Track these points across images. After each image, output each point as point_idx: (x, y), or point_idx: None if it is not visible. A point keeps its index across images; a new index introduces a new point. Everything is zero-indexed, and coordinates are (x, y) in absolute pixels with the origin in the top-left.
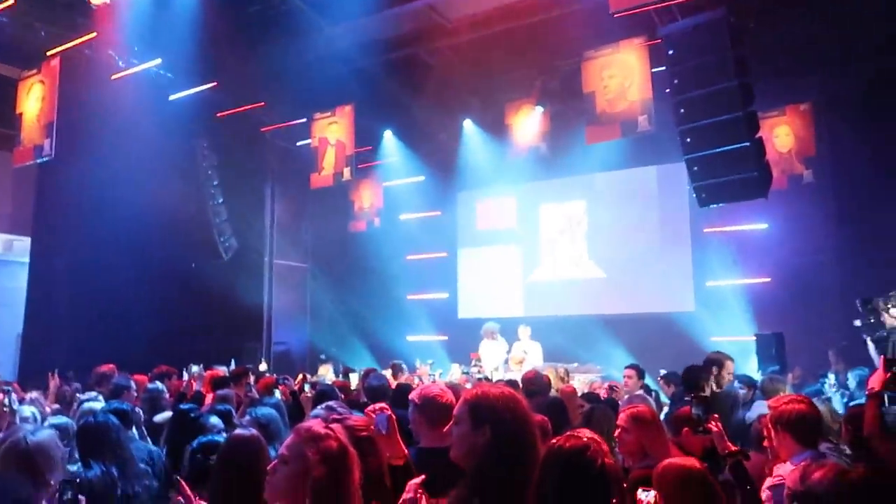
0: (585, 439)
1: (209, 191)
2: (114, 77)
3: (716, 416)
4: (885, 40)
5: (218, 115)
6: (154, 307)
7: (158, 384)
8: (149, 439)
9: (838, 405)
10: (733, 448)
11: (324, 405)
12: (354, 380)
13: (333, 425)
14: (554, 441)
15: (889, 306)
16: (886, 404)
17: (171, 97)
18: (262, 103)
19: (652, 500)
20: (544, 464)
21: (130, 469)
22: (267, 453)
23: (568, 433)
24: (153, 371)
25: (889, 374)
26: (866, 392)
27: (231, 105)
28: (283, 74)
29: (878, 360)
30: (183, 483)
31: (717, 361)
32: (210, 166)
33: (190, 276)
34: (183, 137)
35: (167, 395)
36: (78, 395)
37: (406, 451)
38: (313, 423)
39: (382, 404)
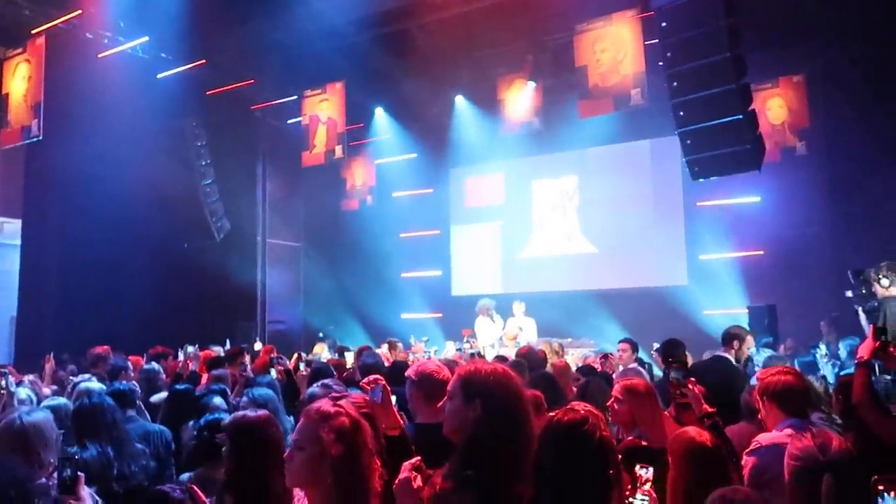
0: (583, 413)
1: (200, 170)
2: (100, 55)
3: (692, 378)
4: (877, 11)
5: (207, 93)
6: (147, 288)
7: (154, 365)
8: (149, 418)
9: (829, 375)
10: (710, 409)
11: (320, 383)
12: (350, 358)
13: (342, 401)
14: (552, 415)
15: (880, 277)
16: (877, 373)
17: (160, 75)
18: (252, 81)
19: (651, 477)
20: (543, 438)
21: (126, 449)
22: (280, 432)
23: (566, 407)
24: (148, 352)
25: (878, 343)
26: (856, 361)
27: (220, 83)
28: (272, 51)
29: (868, 330)
30: (195, 489)
31: (737, 336)
32: (200, 145)
33: (183, 256)
34: (172, 116)
35: (163, 376)
36: (72, 377)
37: (401, 421)
38: (322, 403)
39: (377, 376)
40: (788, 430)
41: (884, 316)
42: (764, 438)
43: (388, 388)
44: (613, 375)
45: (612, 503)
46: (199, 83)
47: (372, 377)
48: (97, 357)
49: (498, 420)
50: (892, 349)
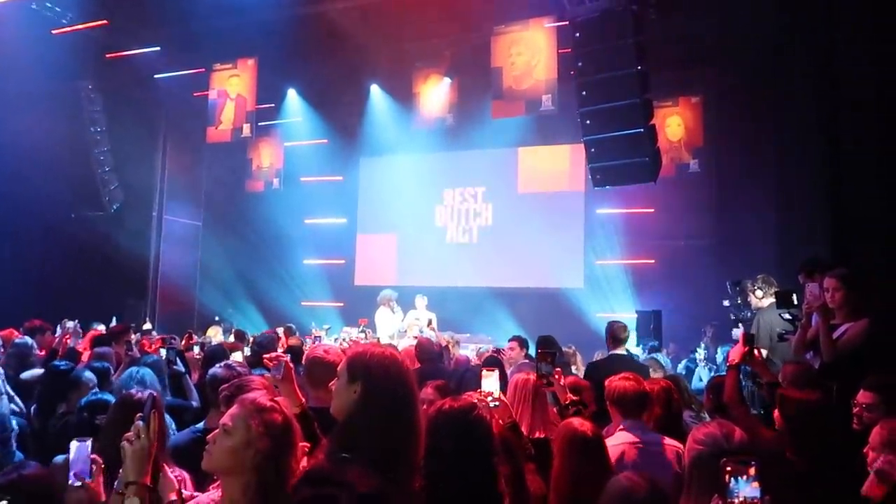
0: (471, 400)
1: (93, 137)
2: None
3: (559, 369)
4: (769, 42)
5: (107, 55)
6: (28, 258)
7: (27, 339)
8: (16, 398)
9: (705, 377)
10: (573, 398)
11: (222, 363)
12: (238, 357)
13: (278, 398)
14: (441, 402)
15: (755, 288)
16: (742, 380)
17: (55, 31)
18: (157, 48)
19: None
20: (435, 423)
21: None
22: (163, 413)
23: (454, 396)
24: (25, 325)
25: (746, 349)
26: (727, 364)
27: (122, 47)
28: (182, 19)
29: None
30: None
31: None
32: (95, 111)
33: (69, 227)
34: (66, 78)
35: (37, 351)
36: None
37: (303, 399)
38: (258, 395)
39: (279, 353)
40: (622, 433)
41: (757, 325)
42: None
43: (291, 366)
44: (508, 370)
45: (500, 486)
46: (98, 45)
47: (274, 354)
48: None
49: (376, 402)
50: (757, 354)
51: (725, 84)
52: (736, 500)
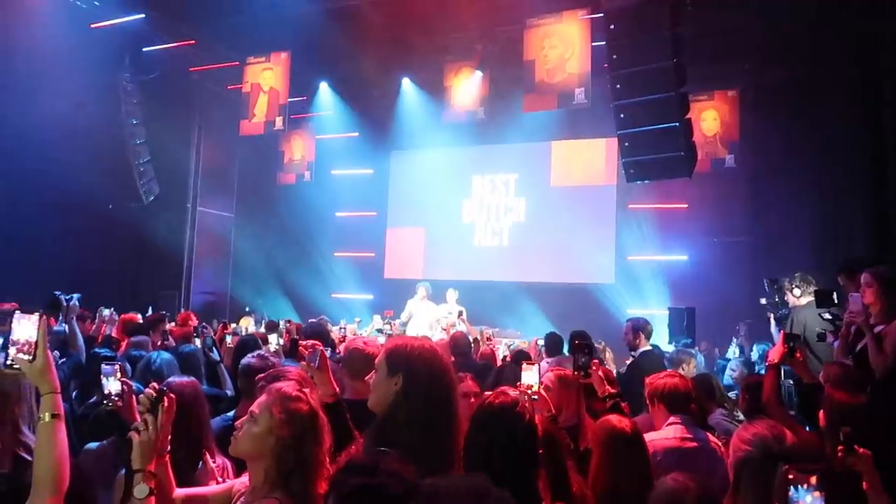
0: (514, 395)
1: (130, 129)
2: None
3: (596, 360)
4: (808, 36)
5: (144, 49)
6: (66, 248)
7: (66, 327)
8: None
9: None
10: (612, 390)
11: (255, 353)
12: (273, 341)
13: (306, 389)
14: (485, 397)
15: (793, 286)
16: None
17: (93, 25)
18: (193, 42)
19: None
20: (475, 419)
21: None
22: (203, 399)
23: (497, 391)
24: None
25: (786, 348)
26: (766, 364)
27: (159, 41)
28: (217, 13)
29: (777, 337)
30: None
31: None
32: (132, 103)
33: (106, 218)
34: (104, 71)
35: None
36: None
37: (337, 388)
38: (287, 385)
39: (315, 341)
40: (675, 427)
41: (791, 323)
42: (657, 444)
43: (326, 354)
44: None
45: (539, 483)
46: (135, 38)
47: (310, 342)
48: (3, 314)
49: (417, 396)
50: (798, 355)
51: (763, 77)
52: None
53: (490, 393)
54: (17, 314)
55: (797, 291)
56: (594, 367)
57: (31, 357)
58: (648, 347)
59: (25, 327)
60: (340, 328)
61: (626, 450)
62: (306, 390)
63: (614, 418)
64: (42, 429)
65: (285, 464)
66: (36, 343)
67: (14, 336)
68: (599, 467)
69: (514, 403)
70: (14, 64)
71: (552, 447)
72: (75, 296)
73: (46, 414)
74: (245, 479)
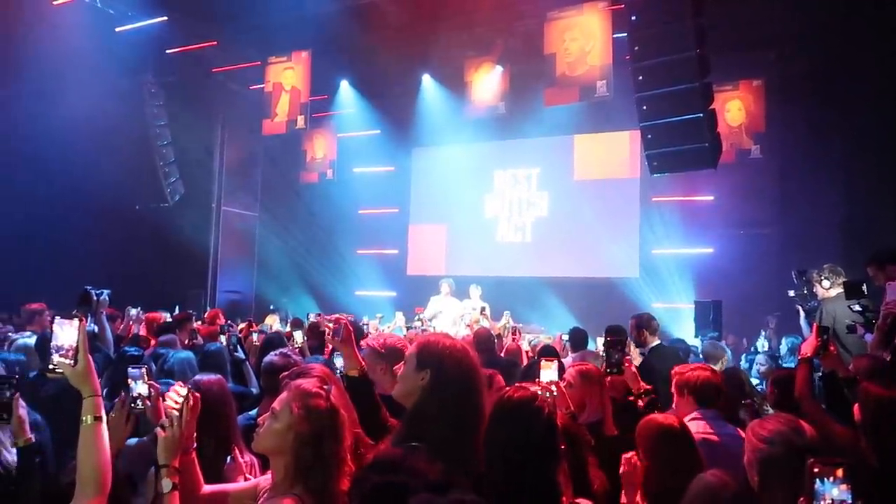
0: (532, 390)
1: (155, 131)
2: (56, 2)
3: (629, 357)
4: (835, 25)
5: (167, 51)
6: (94, 248)
7: (94, 327)
8: None
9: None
10: (647, 387)
11: (278, 351)
12: (298, 337)
13: (327, 386)
14: (504, 392)
15: (822, 278)
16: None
17: (118, 29)
18: (215, 42)
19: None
20: (494, 412)
21: None
22: (230, 396)
23: (517, 385)
24: None
25: (819, 341)
26: (798, 357)
27: (182, 42)
28: (238, 14)
29: (807, 329)
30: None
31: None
32: (157, 105)
33: (133, 218)
34: (129, 73)
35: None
36: (10, 334)
37: (362, 363)
38: (307, 382)
39: (339, 315)
40: (696, 423)
41: (820, 316)
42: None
43: (350, 328)
44: (564, 360)
45: (559, 478)
46: (158, 41)
47: (335, 316)
48: (32, 313)
49: (445, 391)
50: (832, 348)
51: (789, 66)
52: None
53: (509, 388)
54: (59, 319)
55: (826, 283)
56: (627, 364)
57: (72, 362)
58: (656, 342)
59: (67, 332)
60: (363, 324)
61: (678, 446)
62: (327, 387)
63: (659, 416)
64: (84, 431)
65: (304, 460)
66: (77, 348)
67: (57, 342)
68: (650, 466)
69: (532, 397)
70: (41, 69)
71: (572, 444)
72: (105, 291)
73: (88, 416)
74: (269, 476)
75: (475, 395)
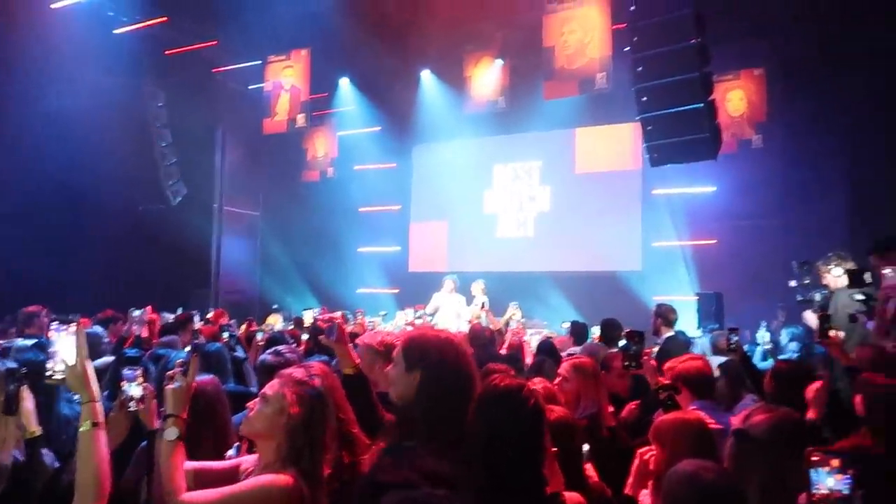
0: (520, 380)
1: (156, 132)
2: (53, 5)
3: (648, 350)
4: (834, 13)
5: (167, 52)
6: (96, 251)
7: (98, 329)
8: None
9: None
10: (666, 381)
11: (272, 350)
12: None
13: (317, 374)
14: (490, 380)
15: (830, 267)
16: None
17: (117, 31)
18: (214, 42)
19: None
20: (479, 401)
21: None
22: (223, 395)
23: (502, 374)
24: (97, 315)
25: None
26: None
27: (181, 43)
28: (236, 13)
29: (809, 319)
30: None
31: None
32: (157, 106)
33: (136, 219)
34: (129, 75)
35: (107, 340)
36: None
37: (357, 360)
38: (297, 370)
39: (333, 314)
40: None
41: (835, 306)
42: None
43: (344, 328)
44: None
45: (544, 471)
46: (158, 42)
47: (327, 315)
48: (28, 316)
49: (436, 388)
50: (833, 336)
51: (790, 55)
52: (817, 493)
53: (496, 375)
54: (56, 325)
55: (837, 270)
56: (646, 358)
57: (70, 365)
58: (672, 333)
59: (65, 340)
60: (368, 322)
61: (700, 443)
62: (319, 376)
63: (678, 412)
64: (83, 437)
65: (296, 442)
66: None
67: (57, 349)
68: (671, 463)
69: (519, 387)
70: (40, 72)
71: (565, 438)
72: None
73: (87, 422)
74: (253, 457)
75: (467, 390)
